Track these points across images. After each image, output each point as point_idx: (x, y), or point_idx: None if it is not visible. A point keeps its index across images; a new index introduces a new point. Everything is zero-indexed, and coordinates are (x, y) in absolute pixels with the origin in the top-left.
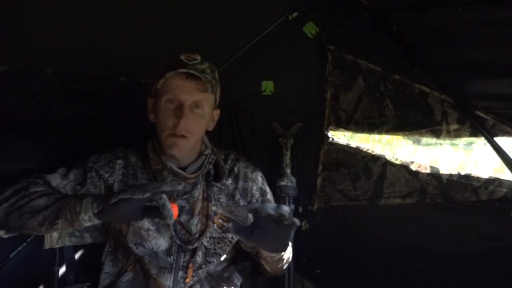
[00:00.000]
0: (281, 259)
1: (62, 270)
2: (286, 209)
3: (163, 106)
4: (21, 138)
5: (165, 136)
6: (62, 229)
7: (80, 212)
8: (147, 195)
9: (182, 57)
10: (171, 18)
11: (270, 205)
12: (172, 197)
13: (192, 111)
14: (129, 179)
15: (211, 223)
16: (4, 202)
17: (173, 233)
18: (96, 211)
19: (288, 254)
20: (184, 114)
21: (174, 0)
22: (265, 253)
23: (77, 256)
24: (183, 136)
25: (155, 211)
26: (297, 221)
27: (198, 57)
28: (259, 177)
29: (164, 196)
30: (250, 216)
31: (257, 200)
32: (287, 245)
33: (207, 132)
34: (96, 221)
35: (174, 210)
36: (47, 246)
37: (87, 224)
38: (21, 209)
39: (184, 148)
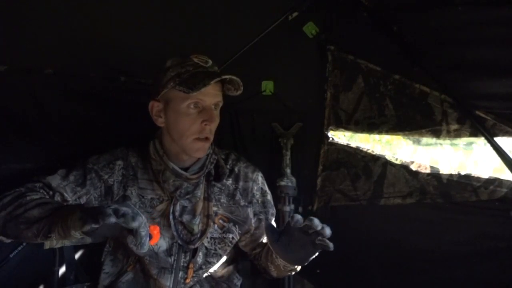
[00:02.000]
0: (294, 270)
1: (62, 270)
2: (328, 232)
3: (184, 111)
4: (21, 138)
5: (189, 141)
6: (55, 240)
7: (71, 228)
8: (111, 220)
9: (195, 59)
10: (171, 18)
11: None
12: (174, 196)
13: (213, 113)
14: (128, 180)
15: (212, 222)
16: (2, 211)
17: (174, 233)
18: (83, 231)
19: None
20: (213, 118)
21: (174, 0)
22: (279, 261)
23: (77, 256)
24: (206, 139)
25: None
26: (331, 245)
27: (209, 59)
28: (259, 178)
29: (140, 220)
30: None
31: (257, 201)
32: (308, 260)
33: None
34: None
35: (155, 234)
36: (47, 246)
37: (79, 237)
38: (17, 219)
39: (207, 150)
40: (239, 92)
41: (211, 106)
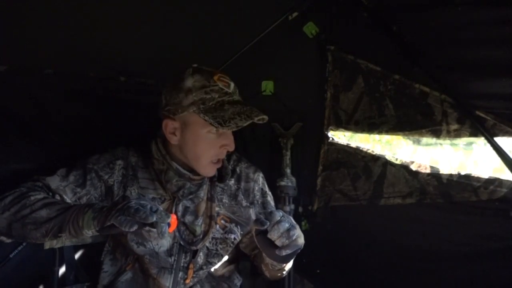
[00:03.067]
0: (282, 269)
1: (62, 270)
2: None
3: (204, 135)
4: (21, 138)
5: (205, 164)
6: (66, 239)
7: (83, 227)
8: (134, 228)
9: (220, 84)
10: (171, 18)
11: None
12: (177, 197)
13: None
14: (128, 179)
15: (214, 223)
16: (6, 211)
17: (177, 234)
18: (97, 228)
19: (289, 265)
20: (232, 144)
21: (174, 0)
22: (267, 260)
23: (77, 256)
24: (219, 161)
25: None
26: (301, 242)
27: (229, 79)
28: (260, 178)
29: (159, 212)
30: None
31: (257, 201)
32: (291, 258)
33: None
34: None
35: (172, 221)
36: (47, 246)
37: (91, 235)
38: (24, 220)
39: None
40: (262, 122)
41: (230, 131)
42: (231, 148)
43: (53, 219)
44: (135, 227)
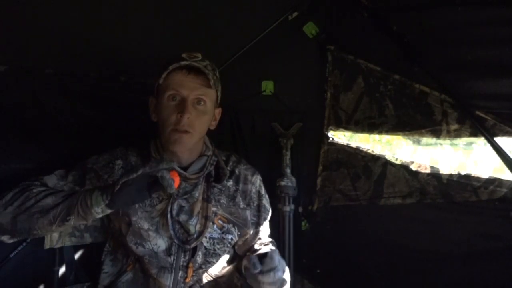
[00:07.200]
0: None
1: (62, 270)
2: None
3: (165, 103)
4: (21, 138)
5: (168, 132)
6: (73, 225)
7: (92, 205)
8: (139, 172)
9: (184, 55)
10: (171, 18)
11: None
12: (172, 195)
13: (195, 107)
14: None
15: (211, 224)
16: (9, 206)
17: (171, 232)
18: (107, 202)
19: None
20: (187, 109)
21: (174, 0)
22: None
23: (77, 256)
24: (186, 132)
25: (159, 185)
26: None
27: (199, 55)
28: (258, 181)
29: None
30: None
31: (253, 203)
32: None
33: (208, 133)
34: (108, 211)
35: (175, 178)
36: (47, 246)
37: (100, 216)
38: (30, 210)
39: (187, 143)
40: (210, 79)
41: (189, 99)
42: (184, 113)
43: (60, 204)
44: (140, 172)
